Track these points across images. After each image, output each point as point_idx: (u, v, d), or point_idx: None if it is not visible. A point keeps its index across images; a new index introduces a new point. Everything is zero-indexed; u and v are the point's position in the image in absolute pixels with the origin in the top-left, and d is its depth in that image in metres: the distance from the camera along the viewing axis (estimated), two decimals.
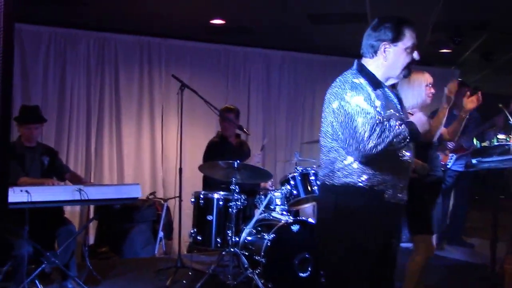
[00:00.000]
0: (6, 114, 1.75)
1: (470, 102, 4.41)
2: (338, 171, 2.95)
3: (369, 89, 2.90)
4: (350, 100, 2.86)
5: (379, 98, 2.92)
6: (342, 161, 2.94)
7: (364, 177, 2.91)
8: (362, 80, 2.94)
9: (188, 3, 6.48)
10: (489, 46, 8.34)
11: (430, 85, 4.27)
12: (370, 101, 2.86)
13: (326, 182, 3.03)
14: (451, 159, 7.01)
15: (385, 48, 2.96)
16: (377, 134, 2.77)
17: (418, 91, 4.22)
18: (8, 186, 1.87)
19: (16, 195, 4.30)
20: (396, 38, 2.94)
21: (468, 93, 4.51)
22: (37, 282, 4.84)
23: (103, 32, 7.58)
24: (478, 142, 9.45)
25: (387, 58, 2.97)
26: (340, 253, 2.99)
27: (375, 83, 2.95)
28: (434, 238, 4.38)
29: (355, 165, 2.91)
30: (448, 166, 6.95)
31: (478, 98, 4.45)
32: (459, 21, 7.11)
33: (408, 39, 2.95)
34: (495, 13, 6.73)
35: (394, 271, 3.21)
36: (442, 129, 4.51)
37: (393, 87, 3.19)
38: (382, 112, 2.88)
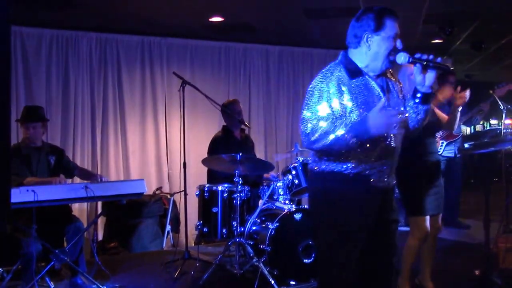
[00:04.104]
0: (5, 114, 1.62)
1: (460, 99, 4.45)
2: (324, 158, 2.92)
3: (344, 79, 2.85)
4: (314, 88, 2.86)
5: (353, 88, 2.84)
6: None
7: (350, 164, 2.85)
8: (338, 71, 2.89)
9: (188, 1, 6.33)
10: (479, 36, 8.28)
11: None
12: (332, 94, 2.80)
13: (315, 169, 2.98)
14: (442, 145, 6.96)
15: (367, 37, 2.90)
16: (320, 133, 2.75)
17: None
18: (10, 186, 1.72)
19: (22, 195, 4.16)
20: (378, 28, 2.88)
21: (459, 88, 4.56)
22: (47, 279, 4.73)
23: (104, 33, 7.43)
24: (468, 127, 9.45)
25: (370, 47, 2.91)
26: (330, 238, 2.96)
27: (354, 72, 2.90)
28: (427, 220, 4.30)
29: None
30: (439, 153, 6.86)
31: (465, 95, 4.49)
32: (450, 12, 7.04)
33: (389, 29, 2.89)
34: (484, 4, 6.69)
35: (394, 254, 3.12)
36: (442, 116, 4.56)
37: (392, 76, 3.10)
38: (350, 103, 2.81)
